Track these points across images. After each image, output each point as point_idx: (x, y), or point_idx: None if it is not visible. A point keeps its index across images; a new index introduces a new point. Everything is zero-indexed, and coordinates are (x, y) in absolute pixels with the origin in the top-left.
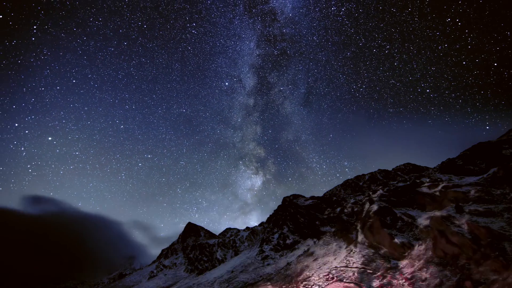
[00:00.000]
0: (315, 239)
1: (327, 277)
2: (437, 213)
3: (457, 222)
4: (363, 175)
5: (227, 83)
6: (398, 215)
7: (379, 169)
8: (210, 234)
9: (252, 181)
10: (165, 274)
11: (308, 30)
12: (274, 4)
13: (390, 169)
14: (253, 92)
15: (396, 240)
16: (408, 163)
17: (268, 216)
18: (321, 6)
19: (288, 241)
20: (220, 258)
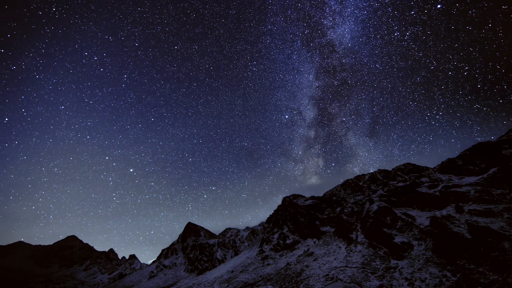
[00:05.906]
0: (315, 239)
1: (327, 277)
2: (437, 213)
3: (457, 222)
4: (363, 175)
5: (287, 116)
6: (398, 215)
7: (379, 169)
8: (210, 234)
9: None
10: (165, 274)
11: (370, 58)
12: (331, 37)
13: (390, 169)
14: (313, 124)
15: (396, 240)
16: (408, 163)
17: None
18: (383, 33)
19: (288, 241)
20: (220, 258)
